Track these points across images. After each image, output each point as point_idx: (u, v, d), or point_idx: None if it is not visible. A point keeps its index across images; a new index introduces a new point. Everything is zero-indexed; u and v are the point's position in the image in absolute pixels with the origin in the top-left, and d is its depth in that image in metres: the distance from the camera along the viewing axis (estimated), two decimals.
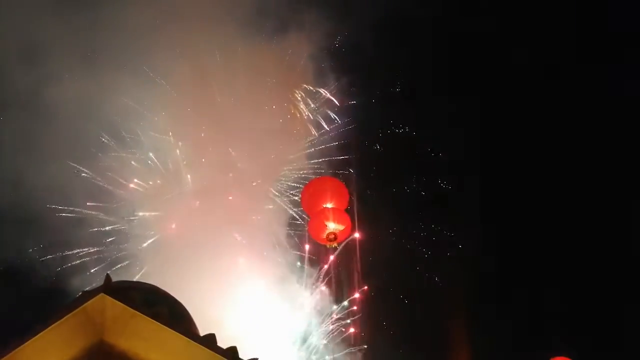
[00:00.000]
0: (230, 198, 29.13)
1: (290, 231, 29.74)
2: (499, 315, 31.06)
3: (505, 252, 32.03)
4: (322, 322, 28.81)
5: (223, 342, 11.42)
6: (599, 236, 31.02)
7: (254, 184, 29.60)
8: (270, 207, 29.59)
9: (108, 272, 13.37)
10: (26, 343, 10.88)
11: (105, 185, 28.27)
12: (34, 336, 10.85)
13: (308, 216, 25.39)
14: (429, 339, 30.88)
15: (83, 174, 28.00)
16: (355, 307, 29.37)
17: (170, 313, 11.45)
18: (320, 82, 30.46)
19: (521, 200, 32.54)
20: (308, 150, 30.21)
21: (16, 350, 10.84)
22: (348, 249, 28.96)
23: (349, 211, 25.29)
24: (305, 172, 29.86)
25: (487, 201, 32.70)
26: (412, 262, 31.56)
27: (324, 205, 23.49)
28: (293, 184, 29.85)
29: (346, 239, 25.34)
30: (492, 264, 31.74)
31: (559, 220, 31.73)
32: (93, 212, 28.01)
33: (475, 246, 31.94)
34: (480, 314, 30.99)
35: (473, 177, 32.87)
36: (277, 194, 29.78)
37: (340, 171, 30.25)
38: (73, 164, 27.75)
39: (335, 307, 29.16)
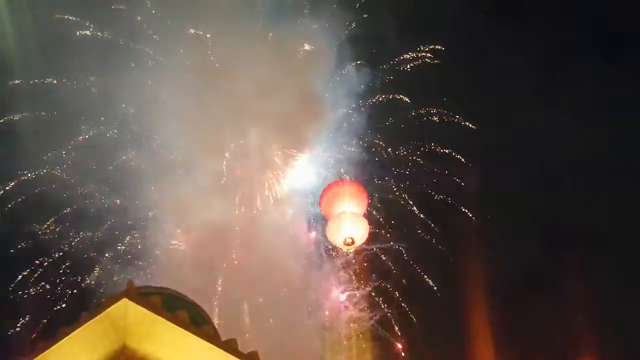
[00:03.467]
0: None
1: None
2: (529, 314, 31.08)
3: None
4: None
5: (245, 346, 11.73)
6: None
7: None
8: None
9: (129, 277, 13.69)
10: (51, 348, 11.29)
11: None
12: (59, 340, 11.25)
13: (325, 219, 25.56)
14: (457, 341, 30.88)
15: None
16: None
17: (191, 317, 11.71)
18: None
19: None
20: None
21: (42, 354, 11.25)
22: None
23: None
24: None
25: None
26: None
27: (342, 209, 23.67)
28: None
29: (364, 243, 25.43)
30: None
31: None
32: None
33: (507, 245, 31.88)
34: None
35: None
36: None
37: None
38: None
39: None
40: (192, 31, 29.28)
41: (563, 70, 33.34)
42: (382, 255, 28.84)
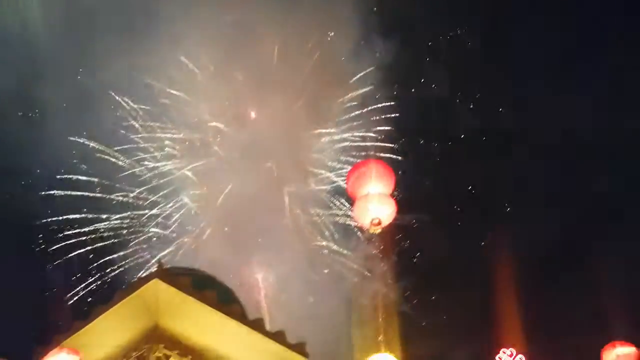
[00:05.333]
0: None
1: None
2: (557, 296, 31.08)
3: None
4: None
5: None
6: None
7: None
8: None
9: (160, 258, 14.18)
10: (87, 327, 11.86)
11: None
12: (93, 319, 11.81)
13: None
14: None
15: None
16: None
17: (220, 297, 12.14)
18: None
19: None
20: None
21: (78, 333, 11.83)
22: None
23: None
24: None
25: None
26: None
27: (368, 190, 23.95)
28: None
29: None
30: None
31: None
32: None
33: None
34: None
35: None
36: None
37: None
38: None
39: None
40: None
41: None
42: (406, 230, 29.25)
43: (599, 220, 31.61)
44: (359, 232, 30.07)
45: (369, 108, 31.05)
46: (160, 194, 29.45)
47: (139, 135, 29.28)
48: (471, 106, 32.46)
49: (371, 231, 26.11)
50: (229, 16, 28.72)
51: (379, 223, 24.49)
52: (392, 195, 24.85)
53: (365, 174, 25.04)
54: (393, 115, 31.07)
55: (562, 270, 31.71)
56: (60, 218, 28.56)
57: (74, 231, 28.57)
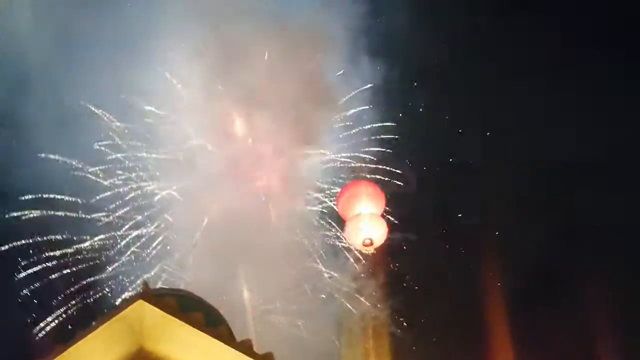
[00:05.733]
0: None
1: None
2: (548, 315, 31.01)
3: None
4: None
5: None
6: None
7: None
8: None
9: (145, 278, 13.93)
10: (68, 350, 11.52)
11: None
12: (75, 343, 11.48)
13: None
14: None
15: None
16: None
17: (207, 319, 11.90)
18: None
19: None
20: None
21: (59, 357, 11.48)
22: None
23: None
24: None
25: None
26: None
27: (359, 210, 23.85)
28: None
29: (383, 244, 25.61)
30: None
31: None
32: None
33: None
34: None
35: None
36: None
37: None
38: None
39: None
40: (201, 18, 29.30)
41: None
42: (395, 252, 29.19)
43: (593, 237, 31.64)
44: (347, 253, 29.99)
45: (359, 128, 31.16)
46: (145, 214, 29.28)
47: (123, 154, 29.16)
48: (461, 130, 32.76)
49: (364, 252, 26.03)
50: (216, 32, 28.81)
51: (371, 243, 24.52)
52: (383, 215, 24.78)
53: (356, 194, 25.09)
54: (383, 136, 31.21)
55: (552, 289, 31.69)
56: (40, 239, 28.32)
57: (53, 253, 28.32)
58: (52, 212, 28.39)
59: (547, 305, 31.75)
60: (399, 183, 30.61)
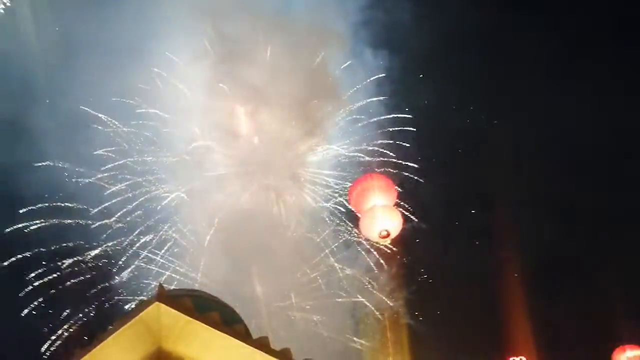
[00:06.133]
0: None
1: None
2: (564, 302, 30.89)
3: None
4: None
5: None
6: None
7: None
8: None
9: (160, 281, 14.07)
10: (88, 354, 11.68)
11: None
12: (95, 347, 11.64)
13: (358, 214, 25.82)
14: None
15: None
16: None
17: (222, 318, 12.02)
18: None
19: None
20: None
21: None
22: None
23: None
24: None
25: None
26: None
27: (373, 203, 23.94)
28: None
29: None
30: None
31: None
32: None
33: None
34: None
35: None
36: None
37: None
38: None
39: None
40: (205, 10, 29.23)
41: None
42: (407, 244, 29.20)
43: (605, 225, 31.54)
44: (359, 247, 30.04)
45: (366, 121, 31.16)
46: (156, 217, 29.41)
47: (130, 159, 29.28)
48: (468, 118, 32.66)
49: (380, 243, 26.17)
50: (219, 32, 28.85)
51: (388, 235, 24.66)
52: (396, 206, 24.79)
53: (368, 188, 25.19)
54: (390, 128, 31.19)
55: (569, 276, 31.58)
56: (53, 247, 28.51)
57: (66, 260, 28.49)
58: (64, 221, 28.58)
59: (561, 295, 31.65)
60: (409, 175, 30.63)
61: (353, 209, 26.91)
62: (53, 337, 27.56)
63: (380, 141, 31.05)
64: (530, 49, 33.12)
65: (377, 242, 25.99)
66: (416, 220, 30.17)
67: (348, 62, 30.85)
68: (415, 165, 30.67)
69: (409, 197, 29.72)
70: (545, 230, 31.81)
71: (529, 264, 31.56)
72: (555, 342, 30.48)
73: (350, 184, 27.45)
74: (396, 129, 30.96)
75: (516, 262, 31.65)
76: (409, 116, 30.79)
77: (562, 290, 31.74)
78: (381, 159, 30.65)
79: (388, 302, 30.15)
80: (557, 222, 32.10)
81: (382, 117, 31.29)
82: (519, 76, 32.88)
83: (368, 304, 29.81)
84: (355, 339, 29.49)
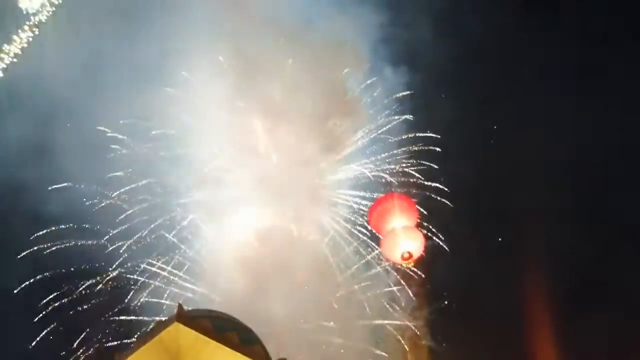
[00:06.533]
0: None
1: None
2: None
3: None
4: None
5: None
6: None
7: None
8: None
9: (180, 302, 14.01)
10: None
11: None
12: None
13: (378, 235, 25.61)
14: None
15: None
16: None
17: (240, 338, 12.00)
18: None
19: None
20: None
21: None
22: None
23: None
24: None
25: None
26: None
27: (394, 224, 23.73)
28: None
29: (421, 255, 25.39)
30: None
31: None
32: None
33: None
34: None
35: None
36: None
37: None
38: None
39: None
40: (224, 29, 29.34)
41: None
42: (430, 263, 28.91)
43: (630, 251, 30.85)
44: (378, 267, 29.77)
45: (386, 140, 31.04)
46: (175, 238, 29.42)
47: (147, 180, 29.41)
48: (492, 133, 32.37)
49: (403, 265, 25.81)
50: (237, 50, 29.01)
51: (410, 256, 24.32)
52: (417, 227, 24.51)
53: (388, 208, 24.92)
54: (411, 147, 31.02)
55: (599, 300, 30.85)
56: (73, 269, 28.61)
57: (87, 281, 28.62)
58: (82, 242, 28.72)
59: (590, 319, 30.95)
60: (431, 194, 30.44)
61: (373, 230, 26.77)
62: (75, 355, 27.63)
63: (400, 158, 30.88)
64: (556, 63, 32.78)
65: (400, 265, 25.73)
66: (439, 240, 29.90)
67: (369, 80, 30.87)
68: (439, 185, 30.48)
69: (432, 216, 29.48)
70: (574, 251, 31.19)
71: (556, 285, 30.98)
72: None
73: (370, 204, 27.27)
74: (418, 147, 30.83)
75: (543, 283, 31.13)
76: (431, 135, 30.69)
77: (591, 315, 30.94)
78: (402, 178, 30.50)
79: (409, 323, 29.87)
80: (586, 242, 31.43)
81: (404, 136, 31.16)
82: (544, 91, 32.53)
83: (389, 326, 29.57)
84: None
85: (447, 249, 29.77)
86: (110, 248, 28.60)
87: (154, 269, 28.88)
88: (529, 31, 32.19)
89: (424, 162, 30.49)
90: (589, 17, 31.80)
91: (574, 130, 31.29)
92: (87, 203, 28.95)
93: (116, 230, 28.61)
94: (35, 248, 28.08)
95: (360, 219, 29.57)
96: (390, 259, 25.61)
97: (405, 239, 23.58)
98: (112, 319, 28.36)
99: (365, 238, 29.57)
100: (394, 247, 23.77)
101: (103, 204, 28.95)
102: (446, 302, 30.64)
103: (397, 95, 30.92)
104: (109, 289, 28.79)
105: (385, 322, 29.35)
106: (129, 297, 28.55)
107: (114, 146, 29.30)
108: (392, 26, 30.41)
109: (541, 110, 32.78)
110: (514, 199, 31.55)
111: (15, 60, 27.34)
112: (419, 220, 25.35)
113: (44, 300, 27.94)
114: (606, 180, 31.16)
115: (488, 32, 31.31)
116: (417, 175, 30.26)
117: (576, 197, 31.20)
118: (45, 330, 27.64)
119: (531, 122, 32.30)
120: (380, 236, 25.16)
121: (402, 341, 29.39)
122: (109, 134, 29.22)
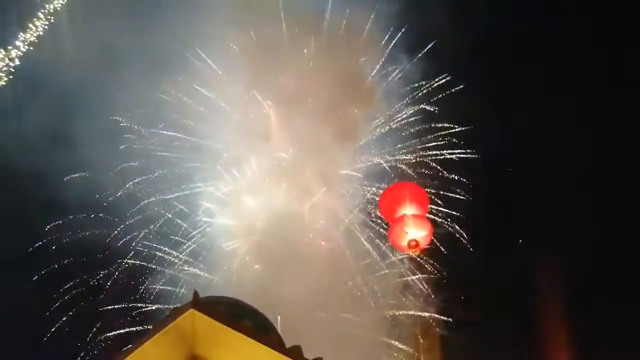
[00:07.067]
0: None
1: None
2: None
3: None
4: None
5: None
6: None
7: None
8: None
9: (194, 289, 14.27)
10: (125, 359, 11.92)
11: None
12: (131, 353, 11.87)
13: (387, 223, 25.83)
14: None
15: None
16: None
17: (256, 326, 12.20)
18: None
19: None
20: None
21: None
22: None
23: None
24: None
25: None
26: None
27: (403, 212, 23.94)
28: None
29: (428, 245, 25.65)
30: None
31: None
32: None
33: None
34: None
35: None
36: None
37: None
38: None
39: None
40: (238, 18, 29.45)
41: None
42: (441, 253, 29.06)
43: None
44: (393, 256, 29.99)
45: (402, 130, 31.12)
46: (189, 226, 29.70)
47: (163, 170, 29.68)
48: (510, 125, 32.28)
49: (410, 253, 26.06)
50: (253, 39, 29.15)
51: (417, 245, 24.60)
52: (426, 216, 24.76)
53: (399, 196, 25.19)
54: (426, 137, 31.09)
55: (616, 298, 30.77)
56: (86, 259, 28.98)
57: (101, 271, 29.01)
58: (98, 231, 29.11)
59: (604, 311, 30.94)
60: (445, 184, 30.56)
61: (383, 217, 26.97)
62: (88, 348, 28.00)
63: (417, 148, 30.98)
64: (577, 57, 32.42)
65: (407, 252, 25.97)
66: (451, 230, 30.07)
67: (384, 70, 30.94)
68: (453, 176, 30.57)
69: (446, 207, 29.57)
70: (593, 244, 31.07)
71: (577, 281, 30.93)
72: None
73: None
74: (435, 137, 30.91)
75: (559, 276, 31.13)
76: (450, 125, 30.75)
77: (607, 311, 30.88)
78: (419, 169, 30.57)
79: (423, 313, 30.05)
80: (601, 237, 31.31)
81: (421, 126, 31.23)
82: (568, 83, 32.21)
83: (402, 316, 29.77)
84: (387, 349, 29.45)
85: (464, 240, 29.96)
86: (127, 238, 29.02)
87: (170, 257, 29.26)
88: (553, 17, 31.99)
89: (441, 152, 30.61)
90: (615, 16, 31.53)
91: (608, 129, 30.95)
92: (102, 193, 29.36)
93: (132, 220, 28.98)
94: (50, 238, 28.51)
95: (375, 210, 29.77)
96: (396, 246, 25.85)
97: (412, 227, 23.82)
98: (128, 306, 28.80)
99: (379, 228, 29.82)
100: (401, 235, 24.04)
101: (119, 194, 29.36)
102: (462, 296, 30.85)
103: (414, 85, 31.03)
104: (125, 278, 29.22)
105: (399, 312, 29.60)
106: (144, 286, 28.96)
107: (128, 136, 29.64)
108: (409, 14, 30.43)
109: (565, 101, 32.52)
110: (531, 195, 31.50)
111: (31, 48, 27.64)
112: (431, 210, 25.57)
113: (60, 290, 28.39)
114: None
115: (508, 21, 31.20)
116: (434, 165, 30.41)
117: (600, 193, 31.04)
118: (61, 320, 28.07)
119: (551, 115, 32.14)
120: (389, 223, 25.40)
121: (416, 331, 29.63)
122: (125, 123, 29.57)
